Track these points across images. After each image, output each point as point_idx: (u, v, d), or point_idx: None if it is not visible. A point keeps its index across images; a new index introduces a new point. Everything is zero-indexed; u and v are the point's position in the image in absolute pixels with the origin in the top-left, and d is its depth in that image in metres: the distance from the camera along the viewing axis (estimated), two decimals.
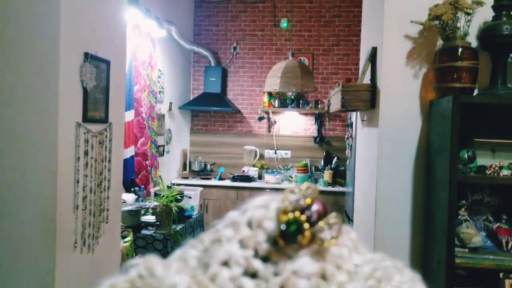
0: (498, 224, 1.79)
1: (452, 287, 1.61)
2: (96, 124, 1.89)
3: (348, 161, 4.06)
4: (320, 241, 0.25)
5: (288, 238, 0.25)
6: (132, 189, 3.30)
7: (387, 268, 0.29)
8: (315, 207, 0.26)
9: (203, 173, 4.82)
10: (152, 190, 3.65)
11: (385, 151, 1.92)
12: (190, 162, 4.94)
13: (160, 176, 3.81)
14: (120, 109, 2.15)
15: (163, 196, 2.81)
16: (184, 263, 0.25)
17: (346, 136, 4.31)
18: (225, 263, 0.24)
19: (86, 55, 1.79)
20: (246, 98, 5.12)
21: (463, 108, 1.59)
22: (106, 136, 1.97)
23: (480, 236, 1.74)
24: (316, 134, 4.93)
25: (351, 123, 3.77)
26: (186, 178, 4.76)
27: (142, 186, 3.44)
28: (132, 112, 3.38)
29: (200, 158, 4.96)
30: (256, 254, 0.25)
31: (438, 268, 1.69)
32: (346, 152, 4.09)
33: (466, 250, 1.70)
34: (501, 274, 1.65)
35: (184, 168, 4.95)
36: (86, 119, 1.80)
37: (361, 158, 2.67)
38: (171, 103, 4.54)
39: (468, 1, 1.64)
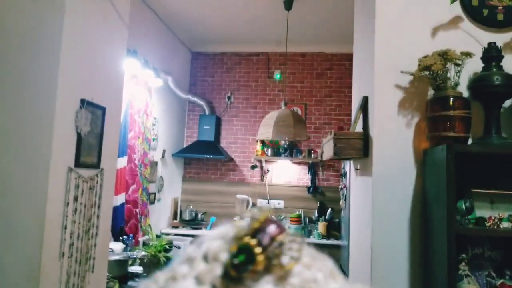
0: (502, 280, 1.71)
1: None
2: (88, 170, 1.87)
3: (342, 212, 4.00)
4: (279, 265, 0.24)
5: (239, 267, 0.23)
6: (121, 238, 3.19)
7: None
8: (269, 229, 0.24)
9: (194, 222, 4.70)
10: (140, 240, 3.53)
11: (380, 200, 1.88)
12: (181, 211, 4.84)
13: (149, 225, 3.71)
14: (113, 155, 2.14)
15: (151, 245, 2.71)
16: None
17: (340, 186, 4.29)
18: None
19: (83, 101, 1.81)
20: (239, 146, 5.14)
21: (458, 157, 1.57)
22: (97, 182, 1.94)
23: None
24: (309, 184, 4.90)
25: (345, 173, 3.76)
26: (176, 227, 4.64)
27: (131, 235, 3.33)
28: (125, 158, 3.35)
29: (191, 207, 4.87)
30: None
31: None
32: (341, 203, 4.05)
33: None
34: None
35: (175, 217, 4.84)
36: (78, 164, 1.78)
37: (355, 208, 2.63)
38: (164, 150, 4.53)
39: (457, 52, 1.69)
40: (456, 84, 1.72)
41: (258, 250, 0.23)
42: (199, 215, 4.79)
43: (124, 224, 3.38)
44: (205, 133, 4.91)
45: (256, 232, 0.24)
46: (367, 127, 2.06)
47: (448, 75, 1.72)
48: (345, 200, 3.75)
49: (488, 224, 1.64)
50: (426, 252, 1.80)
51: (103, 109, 2.00)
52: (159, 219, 4.46)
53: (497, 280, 1.72)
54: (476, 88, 1.70)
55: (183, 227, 4.63)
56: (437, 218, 1.67)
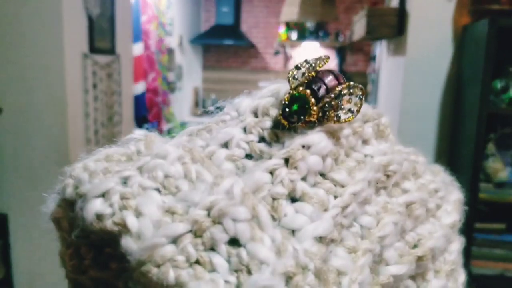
0: None
1: (474, 222, 1.59)
2: (104, 56, 1.81)
3: (370, 97, 3.92)
4: (335, 117, 0.23)
5: (291, 117, 0.22)
6: (145, 126, 3.27)
7: (414, 163, 0.26)
8: (326, 78, 0.23)
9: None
10: (164, 128, 3.62)
11: (411, 81, 1.81)
12: (203, 100, 4.85)
13: (173, 113, 3.76)
14: (128, 40, 2.05)
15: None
16: (184, 139, 0.23)
17: (368, 71, 4.13)
18: (225, 145, 0.22)
19: None
20: (261, 30, 4.87)
21: (500, 32, 1.47)
22: (115, 69, 1.89)
23: (506, 171, 1.68)
24: (337, 69, 4.72)
25: (374, 56, 3.58)
26: (198, 116, 4.71)
27: (156, 122, 3.40)
28: (141, 45, 3.25)
29: (213, 96, 4.87)
30: (261, 140, 0.23)
31: None
32: (368, 87, 3.94)
33: (491, 185, 1.65)
34: None
35: (197, 106, 4.88)
36: (93, 49, 1.72)
37: (384, 92, 2.56)
38: (181, 36, 4.35)
39: None
40: None
41: (312, 100, 0.22)
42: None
43: (147, 113, 3.44)
44: (224, 16, 4.61)
45: (311, 82, 0.23)
46: (403, 2, 1.89)
47: None
48: (372, 84, 3.64)
49: None
50: (455, 132, 1.79)
51: None
52: (181, 108, 4.51)
53: None
54: None
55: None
56: (470, 97, 1.64)
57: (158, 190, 0.19)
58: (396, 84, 2.03)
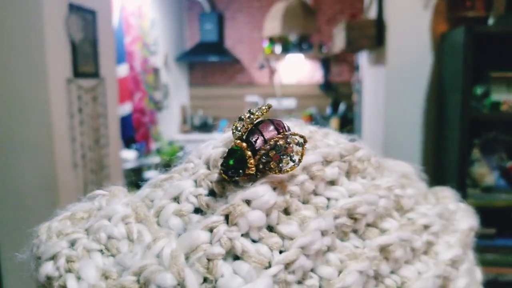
0: None
1: None
2: (88, 79, 1.81)
3: (356, 106, 3.96)
4: (276, 169, 0.22)
5: (229, 171, 0.22)
6: (132, 146, 3.25)
7: (398, 198, 0.25)
8: (265, 129, 0.23)
9: (205, 127, 4.75)
10: (152, 147, 3.60)
11: (393, 90, 1.84)
12: (191, 117, 4.86)
13: (159, 132, 3.76)
14: (112, 63, 2.06)
15: (164, 152, 2.76)
16: (145, 193, 0.24)
17: (353, 80, 4.18)
18: (175, 199, 0.23)
19: (71, 6, 1.68)
20: (245, 45, 4.92)
21: (477, 39, 1.49)
22: (100, 92, 1.89)
23: (492, 176, 1.70)
24: (321, 81, 4.78)
25: (358, 66, 3.63)
26: (187, 133, 4.70)
27: (143, 143, 3.39)
28: (126, 66, 3.26)
29: (201, 112, 4.87)
30: (211, 193, 0.23)
31: None
32: (354, 97, 3.98)
33: (478, 190, 1.66)
34: None
35: (185, 123, 4.87)
36: (76, 74, 1.73)
37: (368, 102, 2.59)
38: (166, 55, 4.37)
39: None
40: None
41: (248, 153, 0.22)
42: (209, 120, 4.81)
43: (134, 133, 3.43)
44: (208, 33, 4.65)
45: (249, 134, 0.23)
46: (381, 13, 1.92)
47: None
48: (358, 93, 3.68)
49: (503, 108, 1.62)
50: (439, 139, 1.81)
51: (94, 13, 1.87)
52: (168, 126, 4.50)
53: (507, 162, 1.74)
54: None
55: (194, 132, 4.69)
56: (452, 104, 1.65)
57: (101, 251, 0.20)
58: (379, 93, 2.05)
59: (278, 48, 4.65)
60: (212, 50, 4.55)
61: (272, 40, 4.65)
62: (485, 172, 1.67)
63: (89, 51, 1.84)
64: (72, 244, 0.21)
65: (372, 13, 2.03)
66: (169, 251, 0.19)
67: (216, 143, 0.25)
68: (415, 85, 1.82)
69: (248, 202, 0.21)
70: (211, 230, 0.20)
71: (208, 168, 0.24)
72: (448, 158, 1.68)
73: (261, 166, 0.22)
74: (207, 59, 4.64)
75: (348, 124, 4.43)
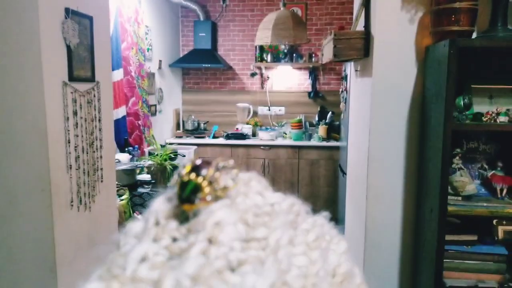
0: (493, 171, 1.77)
1: (444, 235, 1.62)
2: (83, 83, 1.84)
3: (342, 115, 4.03)
4: (223, 189, 0.25)
5: (190, 198, 0.24)
6: (126, 149, 3.28)
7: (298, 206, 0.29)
8: (201, 165, 0.26)
9: (197, 131, 4.79)
10: (146, 150, 3.63)
11: (379, 101, 1.88)
12: (183, 121, 4.90)
13: (153, 135, 3.79)
14: (107, 67, 2.09)
15: (157, 155, 2.79)
16: (105, 271, 0.23)
17: (340, 90, 4.26)
18: (143, 259, 0.22)
19: (67, 10, 1.71)
20: (237, 53, 4.99)
21: (460, 52, 1.52)
22: (94, 95, 1.92)
23: (474, 184, 1.73)
24: (310, 89, 4.87)
25: (346, 76, 3.70)
26: (180, 137, 4.74)
27: (136, 146, 3.42)
28: (121, 71, 3.29)
29: (193, 117, 4.91)
30: (174, 240, 0.23)
31: (431, 217, 1.70)
32: (341, 106, 4.06)
33: (460, 198, 1.69)
34: (494, 221, 1.66)
35: (178, 127, 4.91)
36: (72, 78, 1.75)
37: (354, 110, 2.65)
38: (160, 61, 4.42)
39: None
40: None
41: (200, 179, 0.25)
42: (202, 125, 4.86)
43: (128, 136, 3.45)
44: (202, 41, 4.72)
45: (191, 171, 0.25)
46: (368, 25, 1.97)
47: None
48: (345, 103, 3.75)
49: (485, 119, 1.66)
50: (422, 148, 1.85)
51: (90, 19, 1.91)
52: (162, 130, 4.54)
53: (488, 172, 1.79)
54: None
55: (187, 136, 4.73)
56: (435, 115, 1.68)
57: None
58: (364, 103, 2.10)
59: (269, 57, 4.74)
60: (205, 57, 4.63)
61: (263, 49, 4.74)
62: (467, 181, 1.70)
63: (85, 56, 1.88)
64: None
65: (359, 26, 2.09)
66: None
67: (156, 206, 0.26)
68: (399, 95, 1.86)
69: (218, 223, 0.23)
70: (204, 254, 0.22)
71: (157, 224, 0.24)
72: (431, 167, 1.71)
73: (211, 190, 0.25)
74: (200, 66, 4.71)
75: (335, 132, 4.51)
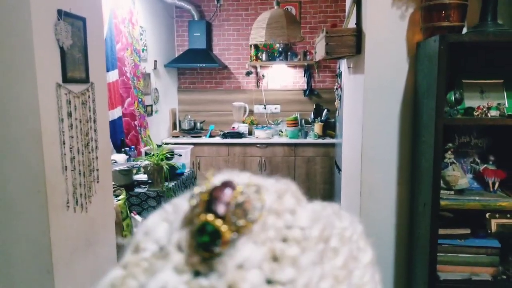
0: (485, 165, 1.79)
1: (437, 229, 1.63)
2: (77, 85, 1.85)
3: (337, 112, 4.05)
4: (248, 223, 0.22)
5: (208, 248, 0.21)
6: (123, 150, 3.29)
7: (328, 217, 0.27)
8: (221, 193, 0.23)
9: (193, 131, 4.80)
10: (142, 150, 3.64)
11: (371, 97, 1.90)
12: (179, 121, 4.90)
13: (149, 136, 3.79)
14: (101, 68, 2.09)
15: (153, 155, 2.80)
16: None
17: (335, 87, 4.27)
18: None
19: (60, 12, 1.72)
20: (232, 53, 5.00)
21: (451, 48, 1.53)
22: (89, 97, 1.93)
23: (466, 178, 1.74)
24: (305, 87, 4.88)
25: (340, 73, 3.72)
26: (176, 137, 4.74)
27: (133, 146, 3.42)
28: (116, 72, 3.30)
29: (189, 116, 4.92)
30: (197, 274, 0.22)
31: (424, 211, 1.71)
32: (336, 103, 4.07)
33: (452, 192, 1.70)
34: (487, 214, 1.67)
35: (174, 127, 4.92)
36: (66, 79, 1.76)
37: (348, 107, 2.66)
38: (155, 61, 4.42)
39: None
40: None
41: (218, 222, 0.21)
42: (198, 124, 4.87)
43: (124, 137, 3.46)
44: (196, 40, 4.73)
45: (208, 204, 0.22)
46: (360, 22, 1.99)
47: None
48: (340, 100, 3.76)
49: (476, 114, 1.67)
50: (415, 144, 1.86)
51: (83, 20, 1.91)
52: (158, 130, 4.54)
53: (480, 166, 1.81)
54: None
55: (183, 136, 4.74)
56: (427, 110, 1.69)
57: None
58: (357, 99, 2.11)
59: (264, 56, 4.75)
60: (200, 57, 4.63)
61: (258, 48, 4.75)
62: (459, 175, 1.72)
63: (79, 57, 1.88)
64: None
65: (351, 23, 2.10)
66: None
67: (171, 220, 0.25)
68: (392, 92, 1.87)
69: (241, 266, 0.21)
70: None
71: (180, 250, 0.22)
72: (423, 162, 1.73)
73: (233, 228, 0.22)
74: (196, 65, 4.71)
75: (330, 129, 4.53)
